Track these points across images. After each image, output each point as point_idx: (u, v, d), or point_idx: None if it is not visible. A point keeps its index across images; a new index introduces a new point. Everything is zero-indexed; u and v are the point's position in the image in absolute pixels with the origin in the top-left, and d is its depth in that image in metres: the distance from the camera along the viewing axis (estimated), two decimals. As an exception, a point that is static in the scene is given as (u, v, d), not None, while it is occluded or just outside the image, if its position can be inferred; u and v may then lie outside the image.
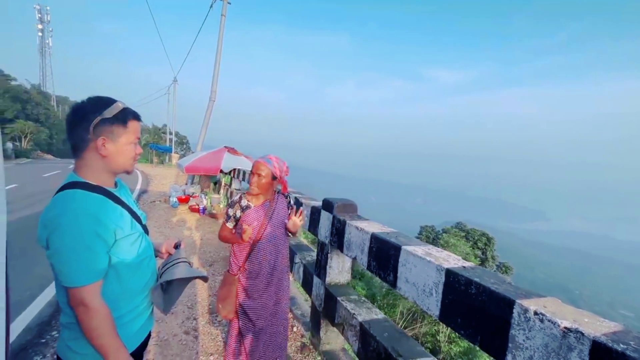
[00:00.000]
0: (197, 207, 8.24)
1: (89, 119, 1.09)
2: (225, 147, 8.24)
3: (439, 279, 1.47)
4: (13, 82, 33.56)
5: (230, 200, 2.15)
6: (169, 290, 1.38)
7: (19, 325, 2.94)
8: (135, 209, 1.28)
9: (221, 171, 7.46)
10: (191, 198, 8.82)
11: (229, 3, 10.26)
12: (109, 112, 1.12)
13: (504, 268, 21.50)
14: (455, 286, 1.39)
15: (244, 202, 2.08)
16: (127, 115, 1.17)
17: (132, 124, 1.18)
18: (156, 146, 30.92)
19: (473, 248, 21.08)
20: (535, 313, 1.06)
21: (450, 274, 1.42)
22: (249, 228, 1.98)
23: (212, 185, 9.71)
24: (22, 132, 29.57)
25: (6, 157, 24.19)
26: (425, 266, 1.56)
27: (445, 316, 1.43)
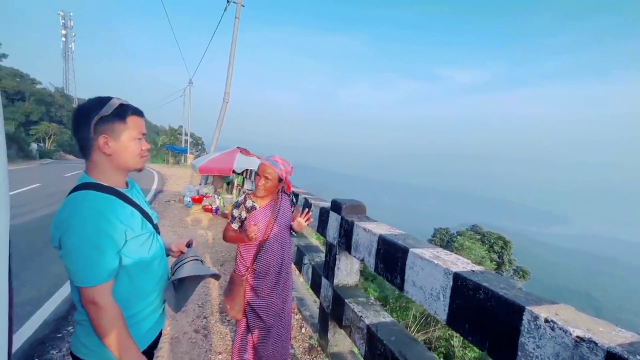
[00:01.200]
0: (210, 207, 8.36)
1: (89, 119, 1.10)
2: (237, 147, 8.33)
3: (447, 283, 1.43)
4: (38, 86, 34.96)
5: (235, 201, 2.16)
6: (181, 288, 1.39)
7: (36, 320, 3.04)
8: (146, 208, 1.29)
9: (234, 172, 7.54)
10: (204, 198, 8.96)
11: (243, 6, 10.39)
12: (106, 110, 1.11)
13: (521, 272, 20.90)
14: (463, 291, 1.35)
15: (249, 203, 2.09)
16: (125, 111, 1.15)
17: (133, 119, 1.17)
18: (172, 147, 31.58)
19: (489, 251, 20.57)
20: (546, 320, 1.02)
21: (458, 278, 1.38)
22: (254, 227, 1.99)
23: (225, 185, 9.83)
24: (46, 134, 30.73)
25: (31, 157, 25.20)
26: (433, 269, 1.52)
27: (453, 321, 1.39)
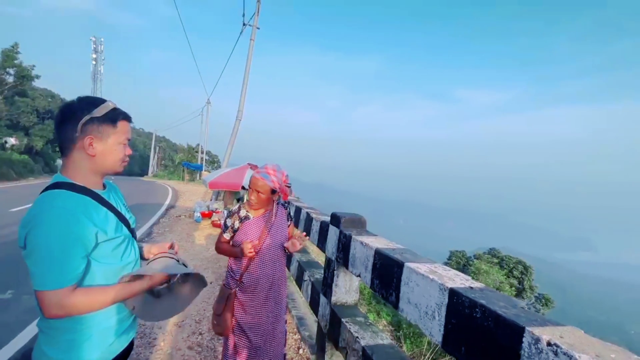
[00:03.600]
0: (219, 222, 8.36)
1: (77, 117, 1.08)
2: (248, 163, 8.40)
3: (442, 300, 1.30)
4: (67, 106, 36.85)
5: (229, 210, 2.10)
6: (166, 298, 1.29)
7: (32, 330, 3.02)
8: (124, 212, 1.25)
9: (243, 187, 7.56)
10: (214, 213, 8.99)
11: (258, 28, 10.80)
12: (99, 112, 1.10)
13: (544, 300, 19.70)
14: (459, 309, 1.22)
15: (242, 212, 2.03)
16: (117, 115, 1.15)
17: (122, 125, 1.16)
18: (188, 164, 32.32)
19: (508, 277, 19.58)
20: (549, 344, 0.88)
21: (454, 295, 1.25)
22: (248, 243, 1.92)
23: (235, 201, 9.87)
24: (71, 150, 32.15)
25: (55, 172, 26.32)
26: (428, 285, 1.39)
27: (448, 343, 1.25)
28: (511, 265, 20.21)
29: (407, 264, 1.58)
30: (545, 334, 0.93)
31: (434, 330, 1.33)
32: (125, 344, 1.24)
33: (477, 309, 1.14)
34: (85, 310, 1.05)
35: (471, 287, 1.31)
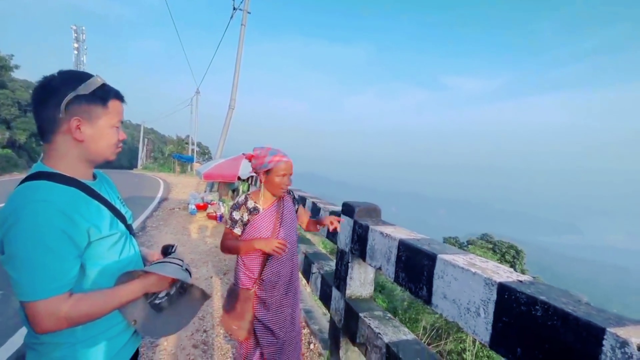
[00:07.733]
0: (214, 214, 8.18)
1: (60, 95, 0.90)
2: (243, 154, 8.18)
3: (489, 296, 1.18)
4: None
5: (234, 202, 1.93)
6: (170, 310, 1.14)
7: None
8: (118, 205, 1.09)
9: (239, 178, 7.36)
10: (209, 205, 8.79)
11: (249, 12, 10.41)
12: (85, 88, 0.93)
13: (535, 284, 20.21)
14: (512, 305, 1.09)
15: (250, 204, 1.87)
16: (107, 93, 0.98)
17: (114, 104, 1.00)
18: (179, 156, 31.72)
19: (501, 261, 19.96)
20: (640, 348, 0.76)
21: (504, 290, 1.13)
22: (274, 241, 1.77)
23: (230, 192, 9.66)
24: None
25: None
26: (470, 279, 1.27)
27: (499, 344, 1.13)
28: (503, 250, 20.57)
29: (440, 256, 1.45)
30: (631, 335, 0.80)
31: (479, 328, 1.21)
32: (130, 355, 1.10)
33: (537, 307, 1.01)
34: (84, 319, 0.90)
35: (520, 281, 1.18)
